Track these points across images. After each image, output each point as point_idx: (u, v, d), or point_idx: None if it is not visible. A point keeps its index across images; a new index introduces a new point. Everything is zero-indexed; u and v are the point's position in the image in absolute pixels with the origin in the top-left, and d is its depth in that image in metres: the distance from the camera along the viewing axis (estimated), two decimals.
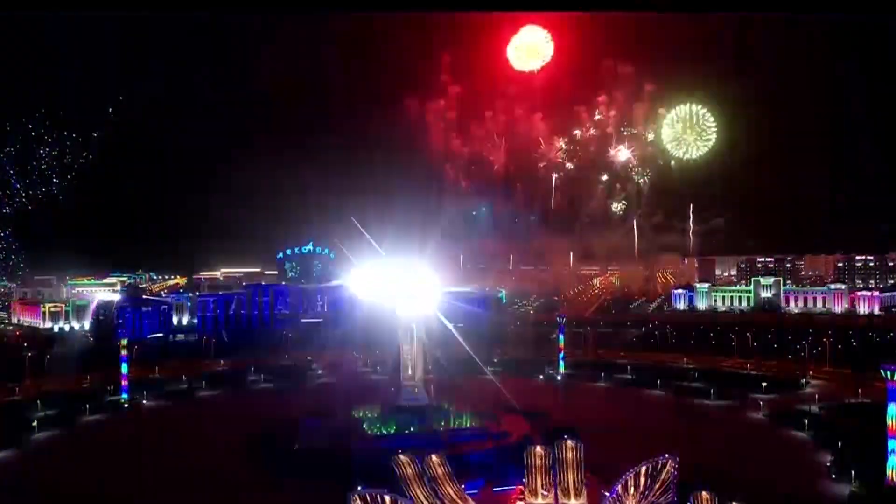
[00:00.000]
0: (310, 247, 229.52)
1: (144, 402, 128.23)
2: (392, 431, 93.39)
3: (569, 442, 73.21)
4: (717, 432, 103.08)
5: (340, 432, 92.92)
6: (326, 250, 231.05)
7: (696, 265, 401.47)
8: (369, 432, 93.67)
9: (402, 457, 68.20)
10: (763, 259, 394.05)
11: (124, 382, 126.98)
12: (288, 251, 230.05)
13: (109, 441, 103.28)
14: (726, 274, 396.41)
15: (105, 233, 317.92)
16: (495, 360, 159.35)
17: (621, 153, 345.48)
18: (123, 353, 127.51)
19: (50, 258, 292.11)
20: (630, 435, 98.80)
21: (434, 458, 69.02)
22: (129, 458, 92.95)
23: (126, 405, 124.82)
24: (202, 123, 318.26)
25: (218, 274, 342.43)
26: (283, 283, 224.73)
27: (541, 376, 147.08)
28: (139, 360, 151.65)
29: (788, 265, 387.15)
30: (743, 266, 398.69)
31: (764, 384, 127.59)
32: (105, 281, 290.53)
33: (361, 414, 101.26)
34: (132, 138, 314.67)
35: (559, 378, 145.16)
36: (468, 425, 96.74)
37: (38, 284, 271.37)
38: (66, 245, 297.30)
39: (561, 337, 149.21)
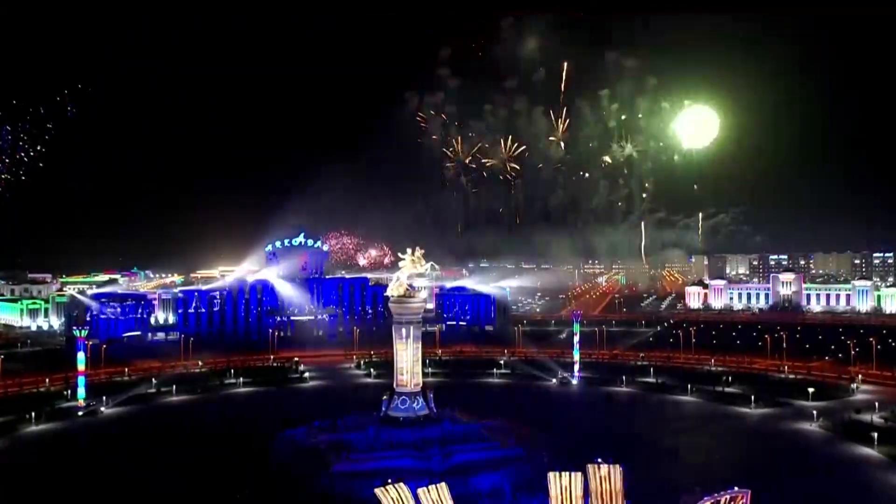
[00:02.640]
0: (301, 238, 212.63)
1: (103, 408, 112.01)
2: (382, 449, 76.79)
3: (602, 465, 56.98)
4: (771, 448, 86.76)
5: (320, 450, 76.64)
6: (318, 242, 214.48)
7: (706, 263, 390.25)
8: (354, 450, 76.95)
9: (389, 488, 51.80)
10: (776, 257, 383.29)
11: (80, 379, 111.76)
12: (277, 244, 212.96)
13: (44, 460, 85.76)
14: (734, 272, 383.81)
15: (103, 231, 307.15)
16: (502, 362, 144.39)
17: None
18: (81, 348, 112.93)
19: (47, 256, 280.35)
20: (673, 453, 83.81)
21: (431, 489, 52.65)
22: (59, 486, 75.92)
23: (80, 413, 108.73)
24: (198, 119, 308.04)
25: (216, 272, 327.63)
26: (275, 278, 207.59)
27: (554, 380, 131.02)
28: (109, 360, 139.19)
29: (802, 262, 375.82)
30: (756, 263, 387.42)
31: (811, 389, 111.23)
32: (100, 279, 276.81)
33: (347, 426, 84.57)
34: (129, 134, 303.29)
35: (575, 382, 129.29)
36: (474, 442, 79.63)
37: (31, 282, 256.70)
38: (63, 243, 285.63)
39: (575, 336, 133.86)
